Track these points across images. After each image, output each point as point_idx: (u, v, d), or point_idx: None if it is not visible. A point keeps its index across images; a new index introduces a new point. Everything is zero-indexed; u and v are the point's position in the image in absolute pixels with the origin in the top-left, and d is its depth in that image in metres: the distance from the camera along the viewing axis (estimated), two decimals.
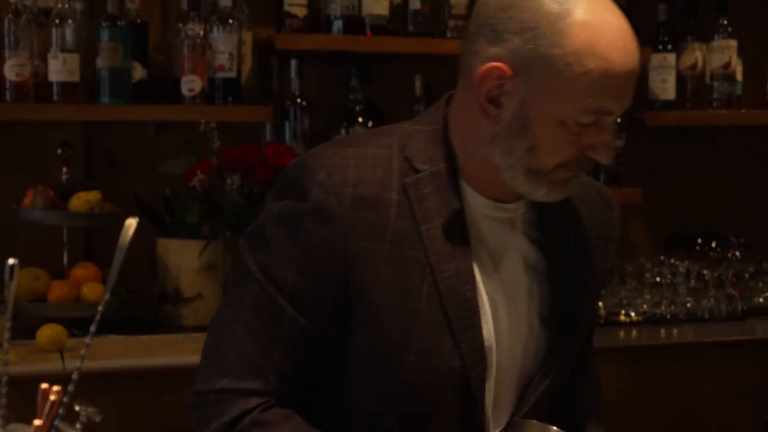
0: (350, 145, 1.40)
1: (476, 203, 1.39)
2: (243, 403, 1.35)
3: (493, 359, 1.38)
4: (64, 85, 2.79)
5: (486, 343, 1.37)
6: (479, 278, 1.38)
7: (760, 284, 3.47)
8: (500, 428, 1.37)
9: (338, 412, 1.40)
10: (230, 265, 2.88)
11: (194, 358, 2.56)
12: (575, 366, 1.51)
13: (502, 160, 1.34)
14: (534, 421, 1.24)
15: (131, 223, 1.14)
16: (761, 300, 3.41)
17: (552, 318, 1.41)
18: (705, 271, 3.32)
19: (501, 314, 1.39)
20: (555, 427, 1.26)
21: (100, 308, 1.12)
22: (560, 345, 1.43)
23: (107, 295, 1.14)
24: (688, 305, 3.25)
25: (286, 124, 3.08)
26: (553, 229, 1.44)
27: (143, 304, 2.95)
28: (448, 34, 3.03)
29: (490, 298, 1.38)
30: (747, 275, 3.47)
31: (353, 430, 1.40)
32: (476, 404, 1.37)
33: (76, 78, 2.79)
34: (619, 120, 3.24)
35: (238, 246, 1.42)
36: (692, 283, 3.32)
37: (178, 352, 2.66)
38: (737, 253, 3.41)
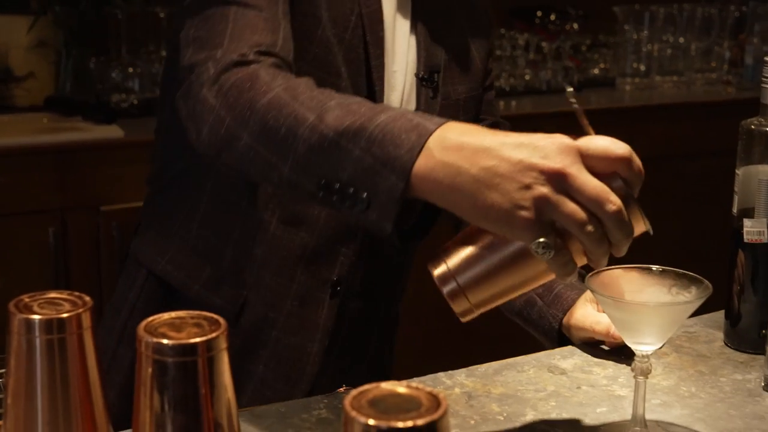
0: None
1: None
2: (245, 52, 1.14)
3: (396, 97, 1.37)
4: None
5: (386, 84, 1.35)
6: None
7: (596, 56, 3.55)
8: None
9: None
10: (62, 43, 2.78)
11: (29, 139, 2.53)
12: None
13: None
14: None
15: None
16: (596, 71, 3.50)
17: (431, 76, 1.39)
18: (544, 44, 3.37)
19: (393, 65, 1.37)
20: None
21: None
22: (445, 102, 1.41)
23: None
24: (527, 77, 3.30)
25: None
26: None
27: None
28: None
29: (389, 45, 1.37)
30: (584, 47, 3.54)
31: None
32: None
33: None
34: None
35: None
36: (531, 55, 3.37)
37: (12, 132, 2.59)
38: (575, 25, 3.46)
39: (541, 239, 0.92)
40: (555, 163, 0.92)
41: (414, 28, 1.39)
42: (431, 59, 1.40)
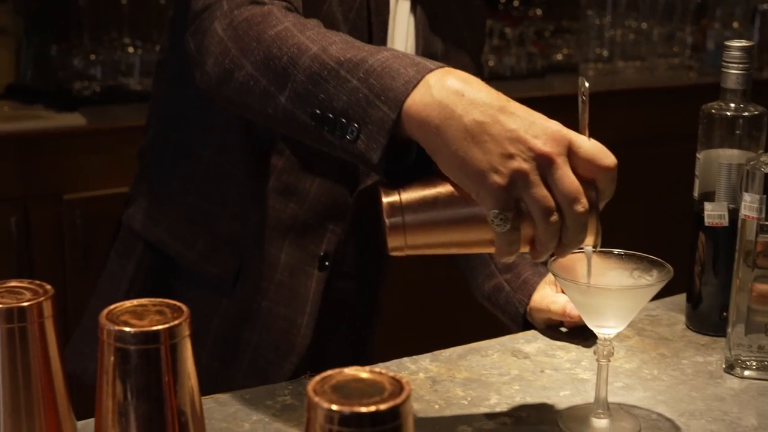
0: None
1: None
2: None
3: None
4: None
5: None
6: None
7: (559, 42, 3.56)
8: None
9: None
10: (22, 30, 2.75)
11: None
12: None
13: None
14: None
15: None
16: (560, 57, 3.51)
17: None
18: (507, 29, 3.38)
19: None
20: None
21: None
22: None
23: None
24: (491, 63, 3.31)
25: None
26: None
27: None
28: None
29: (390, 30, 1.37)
30: (547, 33, 3.55)
31: None
32: None
33: None
34: None
35: None
36: (495, 41, 3.38)
37: None
38: (538, 11, 3.47)
39: (502, 210, 0.93)
40: (545, 146, 0.92)
41: (413, 16, 1.40)
42: (429, 48, 1.40)
